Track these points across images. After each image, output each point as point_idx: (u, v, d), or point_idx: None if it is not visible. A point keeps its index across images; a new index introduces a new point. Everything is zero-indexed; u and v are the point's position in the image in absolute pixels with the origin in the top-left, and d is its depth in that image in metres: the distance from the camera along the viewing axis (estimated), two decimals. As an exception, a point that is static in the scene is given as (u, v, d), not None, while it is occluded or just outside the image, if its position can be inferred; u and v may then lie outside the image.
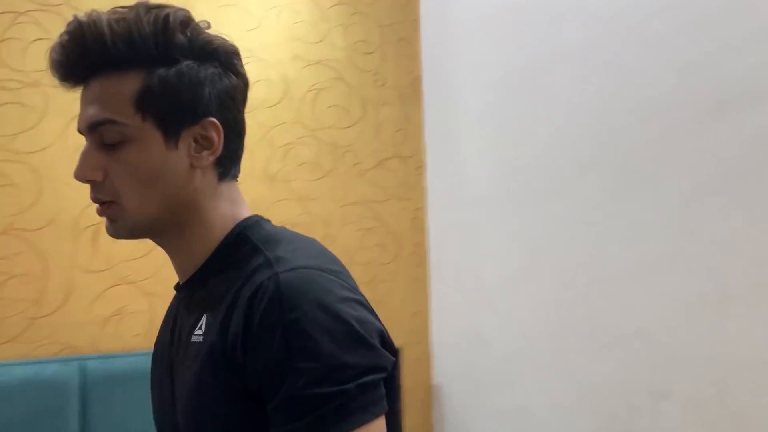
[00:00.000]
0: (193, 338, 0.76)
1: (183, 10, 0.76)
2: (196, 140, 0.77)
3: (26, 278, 1.76)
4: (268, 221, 0.84)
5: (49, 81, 0.78)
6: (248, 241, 0.79)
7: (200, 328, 0.76)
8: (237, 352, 0.69)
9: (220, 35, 0.79)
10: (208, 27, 0.79)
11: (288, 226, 1.93)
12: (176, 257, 0.83)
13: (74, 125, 0.89)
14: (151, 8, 0.73)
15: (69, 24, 0.72)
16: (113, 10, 0.72)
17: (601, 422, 1.76)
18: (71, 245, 1.83)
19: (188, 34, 0.75)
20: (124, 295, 1.88)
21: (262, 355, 0.67)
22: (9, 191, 1.77)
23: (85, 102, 0.75)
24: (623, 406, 1.68)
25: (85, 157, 0.75)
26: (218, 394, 0.71)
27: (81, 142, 0.76)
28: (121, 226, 0.79)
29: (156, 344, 0.91)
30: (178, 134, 0.76)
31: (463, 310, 2.30)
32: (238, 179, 0.84)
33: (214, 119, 0.77)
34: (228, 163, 0.81)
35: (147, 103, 0.74)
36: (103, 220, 1.93)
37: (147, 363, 1.82)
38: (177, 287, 0.86)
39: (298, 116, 2.23)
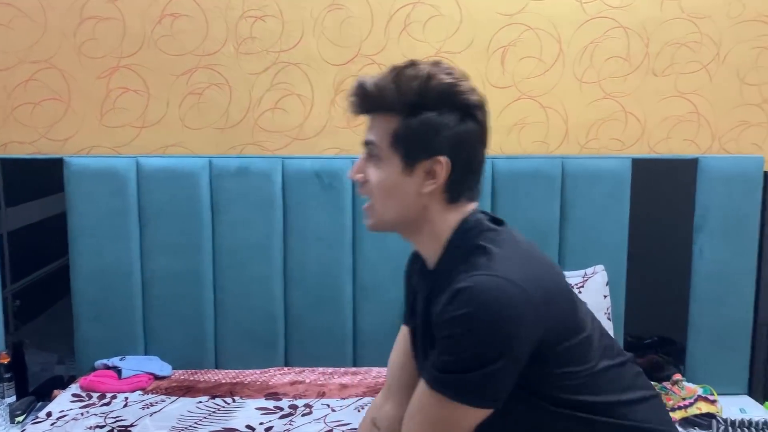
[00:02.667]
0: (432, 319, 1.03)
1: (432, 69, 1.00)
2: (427, 172, 1.01)
3: (452, 92, 2.23)
4: (478, 222, 1.03)
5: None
6: (458, 250, 1.02)
7: (435, 313, 1.01)
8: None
9: (469, 88, 1.00)
10: (461, 79, 1.00)
11: (675, 46, 2.14)
12: (421, 251, 1.09)
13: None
14: (407, 70, 1.00)
15: (356, 81, 1.03)
16: (385, 72, 1.02)
17: None
18: (484, 65, 2.22)
19: (433, 90, 0.99)
20: (525, 108, 2.24)
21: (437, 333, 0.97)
22: (439, 21, 2.19)
23: (367, 126, 1.06)
24: None
25: (356, 162, 1.07)
26: None
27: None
28: (370, 223, 1.08)
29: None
30: (414, 166, 1.01)
31: None
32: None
33: (443, 157, 0.99)
34: (457, 192, 1.02)
35: (398, 140, 1.01)
36: (511, 42, 2.34)
37: (543, 165, 2.20)
38: (425, 273, 1.11)
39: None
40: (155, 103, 2.19)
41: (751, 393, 2.20)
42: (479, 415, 0.95)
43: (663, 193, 2.24)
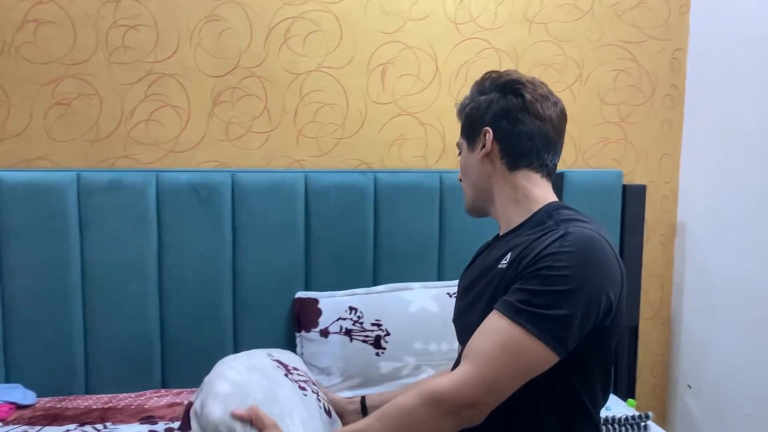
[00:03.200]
0: (499, 266, 1.16)
1: (490, 73, 1.28)
2: (482, 144, 1.23)
3: (334, 107, 2.25)
4: (568, 207, 1.20)
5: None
6: (551, 218, 1.15)
7: (505, 260, 1.15)
8: (517, 269, 1.10)
9: (518, 76, 1.24)
10: (508, 74, 1.25)
11: (543, 67, 2.32)
12: (500, 218, 1.26)
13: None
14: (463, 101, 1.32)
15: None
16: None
17: None
18: (365, 81, 2.26)
19: (481, 85, 1.27)
20: (405, 124, 2.30)
21: (529, 269, 1.08)
22: (319, 36, 2.21)
23: None
24: None
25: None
26: (488, 307, 1.12)
27: None
28: (465, 207, 1.33)
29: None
30: (474, 141, 1.26)
31: (715, 154, 2.33)
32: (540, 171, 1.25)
33: (487, 127, 1.23)
34: (513, 158, 1.22)
35: (463, 128, 1.30)
36: (390, 60, 2.40)
37: (423, 179, 2.24)
38: (496, 237, 1.29)
39: (561, -42, 2.33)
40: (17, 113, 2.05)
41: (615, 391, 2.36)
42: (543, 357, 1.03)
43: (534, 205, 2.35)
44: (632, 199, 2.36)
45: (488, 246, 1.33)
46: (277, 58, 2.17)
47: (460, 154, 1.32)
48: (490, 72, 1.28)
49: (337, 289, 2.16)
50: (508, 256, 1.14)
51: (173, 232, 2.06)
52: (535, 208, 1.19)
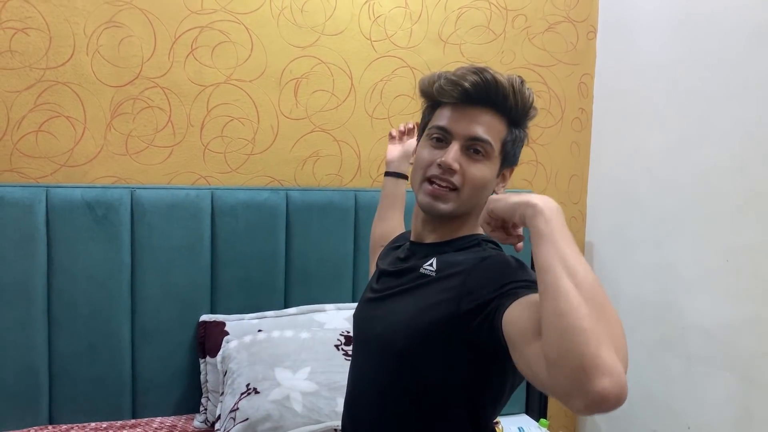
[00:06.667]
0: (422, 270, 1.13)
1: (530, 91, 1.15)
2: (503, 175, 1.18)
3: (244, 121, 2.15)
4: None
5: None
6: (485, 245, 1.15)
7: (431, 265, 1.12)
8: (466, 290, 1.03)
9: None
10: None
11: None
12: (436, 231, 1.18)
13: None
14: (523, 86, 1.11)
15: (481, 70, 1.09)
16: (500, 76, 1.10)
17: (743, 283, 1.86)
18: (277, 96, 2.18)
19: (531, 111, 1.15)
20: (319, 140, 2.24)
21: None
22: (229, 47, 2.12)
23: (470, 119, 1.11)
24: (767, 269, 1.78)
25: (455, 153, 1.11)
26: (402, 299, 1.13)
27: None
28: (450, 208, 1.13)
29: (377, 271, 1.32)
30: (502, 169, 1.16)
31: (621, 175, 2.40)
32: None
33: (514, 168, 1.20)
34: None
35: (505, 147, 1.14)
36: (303, 74, 2.30)
37: (337, 198, 2.18)
38: (414, 242, 1.23)
39: (475, -20, 2.35)
40: None
41: (528, 412, 2.36)
42: None
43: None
44: (543, 219, 2.39)
45: (398, 247, 1.29)
46: (182, 68, 2.06)
47: (473, 152, 1.12)
48: (529, 93, 1.14)
49: (246, 312, 2.06)
50: (434, 262, 1.12)
51: (64, 253, 1.89)
52: (467, 233, 1.18)
